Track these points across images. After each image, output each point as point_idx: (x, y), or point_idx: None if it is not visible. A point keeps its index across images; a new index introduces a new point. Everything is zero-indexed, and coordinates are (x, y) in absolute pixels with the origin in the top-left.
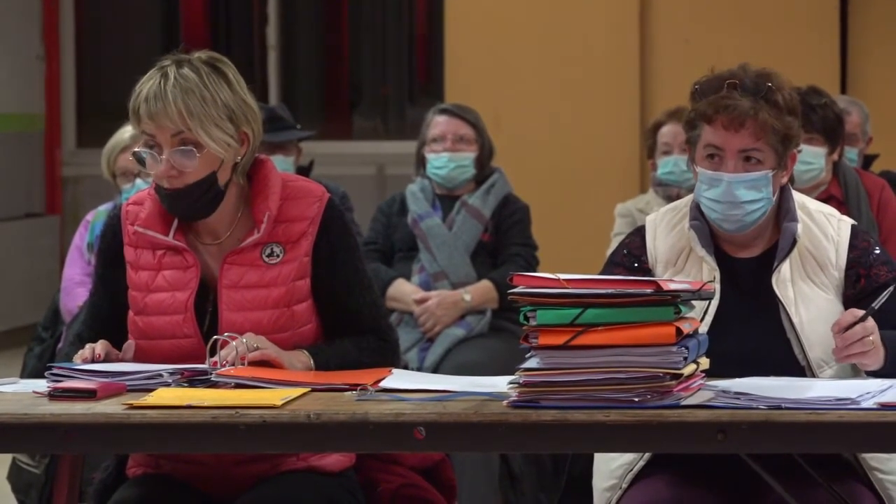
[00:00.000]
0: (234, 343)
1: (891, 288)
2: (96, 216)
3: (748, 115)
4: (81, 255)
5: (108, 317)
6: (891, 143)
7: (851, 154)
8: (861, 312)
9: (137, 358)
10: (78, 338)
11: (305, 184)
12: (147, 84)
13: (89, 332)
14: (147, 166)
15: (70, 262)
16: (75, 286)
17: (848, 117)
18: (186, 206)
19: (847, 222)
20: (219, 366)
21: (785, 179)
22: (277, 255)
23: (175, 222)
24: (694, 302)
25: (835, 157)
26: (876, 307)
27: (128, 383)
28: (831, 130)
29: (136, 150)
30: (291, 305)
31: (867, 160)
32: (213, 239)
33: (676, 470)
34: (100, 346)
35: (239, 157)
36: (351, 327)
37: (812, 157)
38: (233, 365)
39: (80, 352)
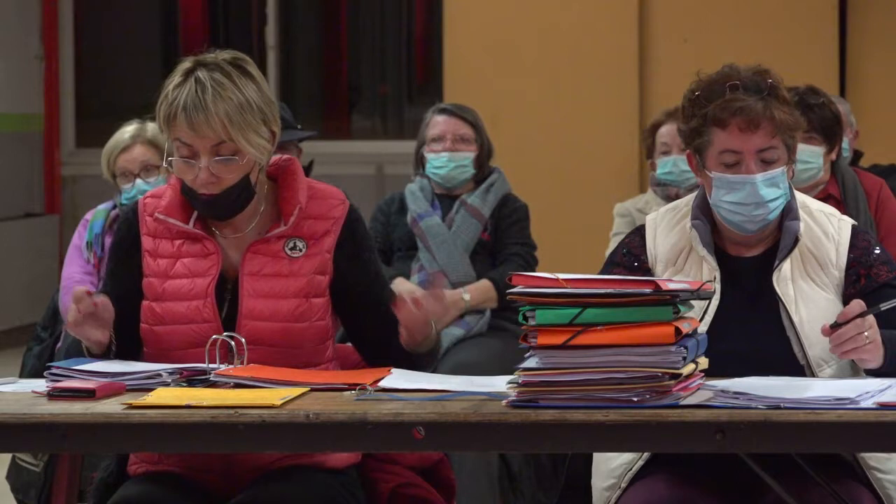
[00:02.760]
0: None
1: None
2: (95, 216)
3: (763, 115)
4: (80, 254)
5: (114, 311)
6: (890, 142)
7: (843, 145)
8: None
9: (151, 343)
10: None
11: (327, 187)
12: (181, 91)
13: None
14: (180, 173)
15: (69, 261)
16: (74, 285)
17: None
18: (223, 209)
19: (847, 222)
20: None
21: (791, 172)
22: (300, 249)
23: (195, 213)
24: (694, 301)
25: (832, 156)
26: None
27: (127, 383)
28: (829, 129)
29: (170, 158)
30: (310, 297)
31: (855, 155)
32: (233, 231)
33: (675, 470)
34: (100, 297)
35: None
36: (380, 317)
37: (810, 157)
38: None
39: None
